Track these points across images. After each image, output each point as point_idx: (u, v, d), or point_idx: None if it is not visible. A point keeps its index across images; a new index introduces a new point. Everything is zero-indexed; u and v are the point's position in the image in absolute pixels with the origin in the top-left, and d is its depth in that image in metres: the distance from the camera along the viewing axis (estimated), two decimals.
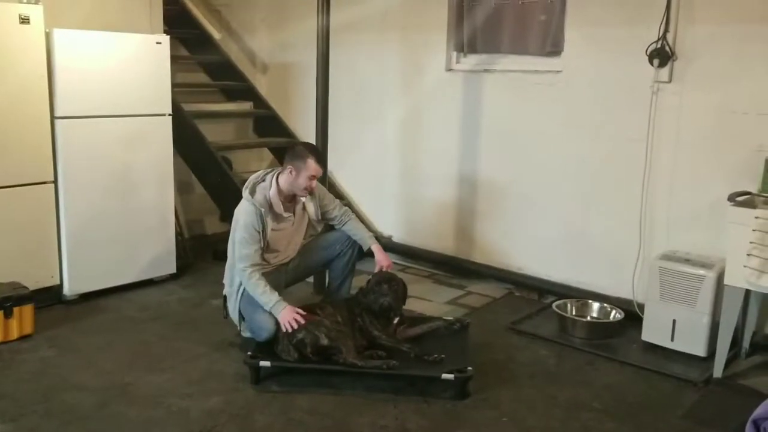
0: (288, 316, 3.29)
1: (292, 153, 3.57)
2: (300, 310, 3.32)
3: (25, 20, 3.82)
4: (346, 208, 3.91)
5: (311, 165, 3.50)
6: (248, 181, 3.60)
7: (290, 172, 3.52)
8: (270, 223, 3.52)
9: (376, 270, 3.68)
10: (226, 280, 3.67)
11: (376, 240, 3.88)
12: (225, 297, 3.69)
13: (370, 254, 3.86)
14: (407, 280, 3.79)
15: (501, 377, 3.38)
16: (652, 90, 3.91)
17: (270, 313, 3.37)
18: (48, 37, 3.95)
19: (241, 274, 3.43)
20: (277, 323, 3.34)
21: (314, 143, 4.43)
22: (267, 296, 3.37)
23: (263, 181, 3.59)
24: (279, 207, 3.55)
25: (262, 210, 3.46)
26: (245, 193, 3.52)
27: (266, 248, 3.53)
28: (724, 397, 3.24)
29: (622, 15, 4.01)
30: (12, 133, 3.88)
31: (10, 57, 3.81)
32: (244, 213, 3.47)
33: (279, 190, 3.55)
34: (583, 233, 4.33)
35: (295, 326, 3.25)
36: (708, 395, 3.25)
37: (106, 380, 3.26)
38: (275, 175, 3.59)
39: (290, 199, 3.63)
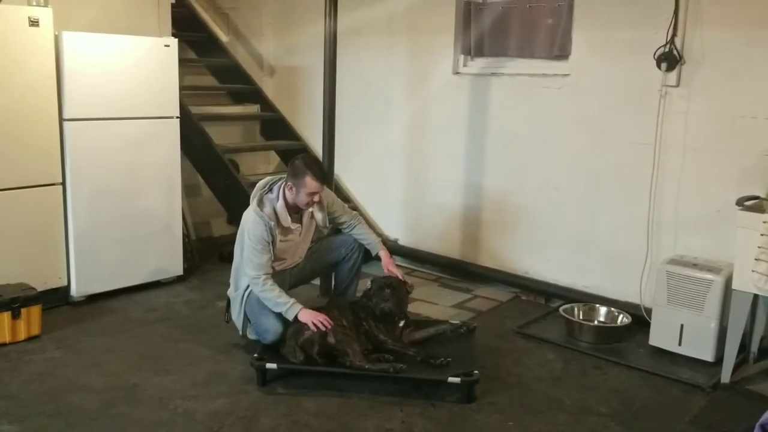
0: (311, 317, 3.28)
1: (291, 169, 3.50)
2: (323, 315, 3.30)
3: (34, 23, 3.84)
4: (355, 213, 3.90)
5: (309, 183, 3.43)
6: (256, 188, 3.58)
7: (290, 188, 3.48)
8: (278, 236, 3.50)
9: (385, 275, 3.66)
10: (231, 283, 3.67)
11: (385, 246, 3.86)
12: (228, 300, 3.70)
13: (376, 257, 3.85)
14: (413, 284, 3.78)
15: (507, 381, 3.37)
16: (660, 94, 3.90)
17: (276, 316, 3.38)
18: (57, 39, 3.98)
19: (253, 282, 3.42)
20: (284, 325, 3.35)
21: (320, 145, 4.45)
22: (282, 299, 3.37)
23: (270, 191, 3.56)
24: (286, 220, 3.53)
25: (271, 224, 3.45)
26: (253, 203, 3.50)
27: (273, 257, 3.52)
28: (732, 403, 3.22)
29: (630, 18, 4.01)
30: (21, 135, 3.90)
31: (19, 59, 3.83)
32: (252, 224, 3.44)
33: (286, 202, 3.52)
34: (591, 237, 4.32)
35: (327, 325, 3.24)
36: (716, 400, 3.23)
37: (112, 381, 3.27)
38: (282, 186, 3.54)
39: (297, 210, 3.60)
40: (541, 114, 4.46)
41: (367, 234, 3.84)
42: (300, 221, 3.63)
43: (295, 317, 3.32)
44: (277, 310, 3.37)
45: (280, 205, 3.51)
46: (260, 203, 3.50)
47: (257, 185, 3.60)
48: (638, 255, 4.06)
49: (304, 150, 5.65)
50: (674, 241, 3.96)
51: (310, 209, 3.62)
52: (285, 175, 3.58)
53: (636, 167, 4.05)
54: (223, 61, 5.83)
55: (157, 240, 4.55)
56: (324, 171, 3.64)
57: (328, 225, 3.76)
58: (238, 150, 5.62)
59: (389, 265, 3.72)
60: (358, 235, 3.81)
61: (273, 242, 3.47)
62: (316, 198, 3.51)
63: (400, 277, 3.66)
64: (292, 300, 3.38)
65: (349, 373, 3.21)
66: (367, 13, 5.13)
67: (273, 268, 3.53)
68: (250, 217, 3.48)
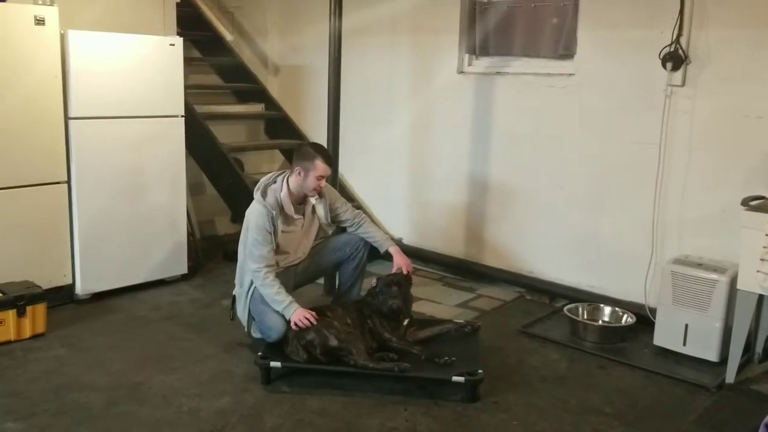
0: (299, 316, 3.29)
1: (299, 154, 3.57)
2: (312, 312, 3.32)
3: (40, 21, 3.85)
4: (359, 211, 3.90)
5: (319, 165, 3.49)
6: (259, 183, 3.62)
7: (299, 173, 3.52)
8: (280, 225, 3.53)
9: (394, 271, 3.66)
10: (236, 281, 3.68)
11: (393, 241, 3.86)
12: (234, 298, 3.71)
13: (383, 256, 3.84)
14: (417, 283, 3.78)
15: (512, 381, 3.37)
16: (665, 93, 3.89)
17: (280, 314, 3.38)
18: (62, 38, 3.98)
19: (255, 275, 3.43)
20: (288, 324, 3.35)
21: (325, 145, 4.45)
22: (280, 297, 3.38)
23: (274, 182, 3.61)
24: (290, 209, 3.56)
25: (274, 212, 3.48)
26: (256, 195, 3.54)
27: (276, 250, 3.53)
28: (737, 403, 3.21)
29: (636, 18, 4.00)
30: (26, 134, 3.91)
31: (25, 58, 3.84)
32: (255, 215, 3.49)
33: (289, 192, 3.57)
34: (595, 237, 4.31)
35: (306, 324, 3.25)
36: (720, 400, 3.23)
37: (117, 380, 3.28)
38: (285, 177, 3.60)
39: (300, 201, 3.64)
40: (546, 113, 4.46)
41: (374, 232, 3.83)
42: (302, 213, 3.65)
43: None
44: (275, 307, 3.38)
45: (283, 193, 3.55)
46: (263, 194, 3.53)
47: (260, 180, 3.64)
48: (643, 255, 4.05)
49: None
50: (679, 241, 3.95)
51: (313, 201, 3.63)
52: (287, 170, 3.61)
53: (641, 167, 4.04)
54: (228, 60, 5.84)
55: (161, 238, 4.56)
56: (331, 156, 3.71)
57: (330, 221, 3.76)
58: (242, 149, 5.63)
59: (401, 261, 3.69)
60: (365, 234, 3.81)
61: (275, 233, 3.48)
62: (322, 183, 3.55)
63: (410, 269, 3.66)
64: (290, 299, 3.38)
65: (353, 372, 3.21)
66: (371, 13, 5.14)
67: (277, 263, 3.54)
68: (252, 208, 3.53)
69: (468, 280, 4.92)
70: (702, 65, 3.79)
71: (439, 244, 5.13)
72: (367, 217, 3.88)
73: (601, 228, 4.29)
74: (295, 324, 3.27)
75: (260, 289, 3.42)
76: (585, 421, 3.01)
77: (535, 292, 4.61)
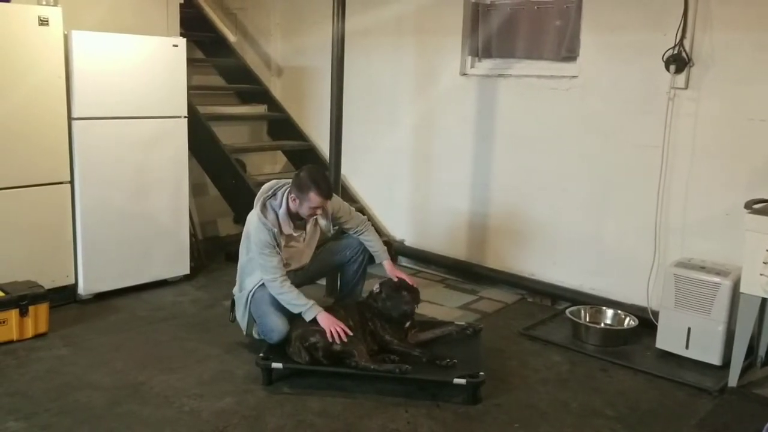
0: (330, 324, 3.26)
1: (296, 180, 3.46)
2: (343, 326, 3.28)
3: (44, 22, 3.86)
4: (364, 217, 3.88)
5: (313, 198, 3.40)
6: (260, 192, 3.57)
7: (294, 200, 3.47)
8: (282, 241, 3.50)
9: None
10: (236, 284, 3.67)
11: (389, 256, 3.84)
12: (233, 300, 3.70)
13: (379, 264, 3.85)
14: (419, 285, 3.77)
15: (513, 383, 3.37)
16: (669, 96, 3.88)
17: (281, 316, 3.38)
18: (66, 38, 3.99)
19: (270, 285, 3.41)
20: (289, 325, 3.35)
21: (327, 145, 4.45)
22: (300, 301, 3.36)
23: (274, 197, 3.54)
24: (289, 229, 3.52)
25: (274, 230, 3.44)
26: (257, 208, 3.48)
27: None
28: (739, 407, 3.21)
29: (639, 20, 4.00)
30: (29, 134, 3.92)
31: (28, 58, 3.85)
32: (256, 231, 3.44)
33: (289, 210, 3.51)
34: (598, 239, 4.31)
35: (344, 338, 3.22)
36: (722, 404, 3.22)
37: (118, 379, 3.28)
38: (286, 193, 3.52)
39: (301, 217, 3.58)
40: (549, 116, 4.45)
41: (375, 242, 3.82)
42: (304, 228, 3.63)
43: (313, 318, 3.32)
44: (295, 311, 3.37)
45: (282, 212, 3.50)
46: (264, 208, 3.49)
47: (262, 188, 3.60)
48: (646, 257, 4.04)
49: (311, 150, 5.68)
50: (682, 244, 3.94)
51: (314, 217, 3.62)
52: (290, 180, 3.56)
53: (644, 169, 4.04)
54: (231, 61, 5.85)
55: (164, 239, 4.56)
56: (329, 185, 3.59)
57: (332, 231, 3.76)
58: (245, 150, 5.63)
59: (395, 271, 3.71)
60: (366, 241, 3.81)
61: (278, 246, 3.47)
62: (319, 211, 3.51)
63: (411, 283, 3.66)
64: (312, 302, 3.37)
65: (354, 374, 3.21)
66: (375, 15, 5.14)
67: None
68: (254, 222, 3.47)
69: (470, 282, 4.91)
70: (705, 68, 3.78)
71: (440, 246, 5.13)
72: (370, 226, 3.86)
73: (603, 230, 4.28)
74: (330, 333, 3.24)
75: (278, 297, 3.40)
76: (587, 424, 3.00)
77: (537, 295, 4.61)
